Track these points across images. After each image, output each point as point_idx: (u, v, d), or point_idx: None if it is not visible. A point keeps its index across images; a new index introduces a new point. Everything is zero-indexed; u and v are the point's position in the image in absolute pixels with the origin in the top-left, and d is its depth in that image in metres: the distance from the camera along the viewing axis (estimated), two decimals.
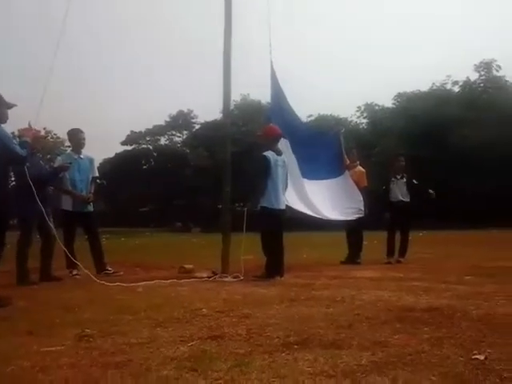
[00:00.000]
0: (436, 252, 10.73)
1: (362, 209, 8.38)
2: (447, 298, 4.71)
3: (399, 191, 8.95)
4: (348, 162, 8.83)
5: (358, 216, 8.37)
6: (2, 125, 5.00)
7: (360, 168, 9.18)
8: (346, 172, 8.62)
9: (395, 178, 9.03)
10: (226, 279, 6.55)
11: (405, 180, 8.98)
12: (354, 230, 8.96)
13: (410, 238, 9.10)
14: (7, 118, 5.11)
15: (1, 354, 2.99)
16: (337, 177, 8.51)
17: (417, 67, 67.01)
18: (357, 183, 8.65)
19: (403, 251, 8.90)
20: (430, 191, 8.94)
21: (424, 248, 10.83)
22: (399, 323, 3.57)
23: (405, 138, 34.74)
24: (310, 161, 8.01)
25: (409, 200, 8.96)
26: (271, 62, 7.88)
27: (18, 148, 4.94)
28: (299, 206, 7.68)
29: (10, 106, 5.10)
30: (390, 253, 8.90)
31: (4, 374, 2.64)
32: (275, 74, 7.94)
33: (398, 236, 9.06)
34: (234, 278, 6.57)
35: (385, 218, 9.08)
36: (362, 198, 8.43)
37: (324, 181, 8.30)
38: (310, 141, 8.63)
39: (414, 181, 9.05)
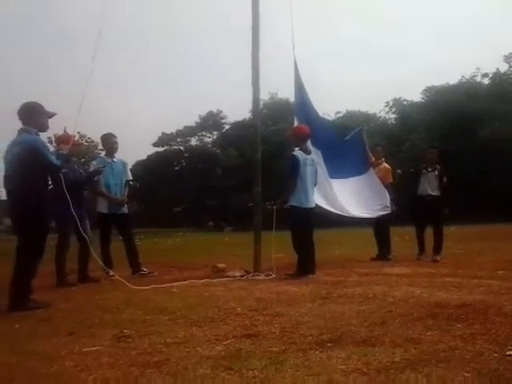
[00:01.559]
0: (467, 247, 10.51)
1: (389, 205, 8.27)
2: (480, 293, 4.67)
3: (428, 185, 8.56)
4: (373, 159, 8.71)
5: (384, 213, 8.26)
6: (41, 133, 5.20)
7: (385, 165, 9.06)
8: (371, 169, 8.50)
9: (426, 170, 8.64)
10: (258, 278, 6.61)
11: (436, 173, 8.59)
12: (380, 227, 8.87)
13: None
14: (48, 127, 5.32)
15: (45, 354, 3.12)
16: (361, 174, 8.40)
17: (445, 60, 65.61)
18: (382, 180, 8.52)
19: (438, 248, 8.43)
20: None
21: (455, 243, 10.54)
22: (432, 320, 3.57)
23: (434, 132, 34.19)
24: (333, 159, 7.91)
25: (439, 194, 8.54)
26: (295, 60, 7.85)
27: (53, 159, 5.11)
28: (324, 204, 7.64)
29: (51, 114, 5.29)
30: (421, 249, 8.61)
31: (48, 373, 2.76)
32: (298, 71, 7.92)
33: (428, 232, 8.78)
34: (266, 276, 6.64)
35: (411, 212, 8.86)
36: (388, 195, 8.33)
37: (348, 179, 8.20)
38: (333, 139, 8.56)
39: (445, 179, 8.64)
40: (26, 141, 4.97)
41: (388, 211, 8.30)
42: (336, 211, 7.81)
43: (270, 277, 6.56)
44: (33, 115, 5.11)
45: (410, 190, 8.96)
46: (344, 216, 7.99)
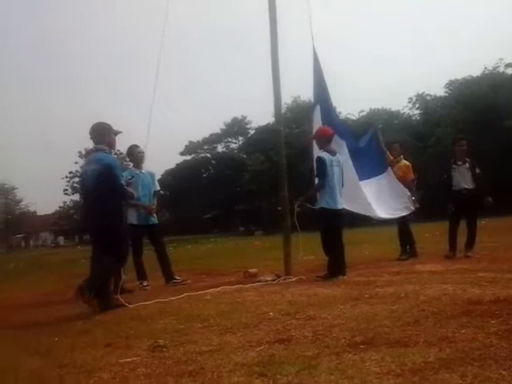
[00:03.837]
0: (500, 240, 10.22)
1: (410, 205, 8.04)
2: None
3: (462, 178, 8.24)
4: (391, 157, 8.51)
5: (407, 213, 8.04)
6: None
7: (405, 162, 8.88)
8: (389, 169, 8.25)
9: (456, 164, 8.31)
10: (289, 281, 6.62)
11: (467, 166, 8.25)
12: (401, 226, 8.67)
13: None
14: (115, 144, 5.69)
15: (83, 367, 3.19)
16: (379, 175, 8.14)
17: (467, 53, 64.43)
18: (403, 178, 8.35)
19: (471, 244, 8.17)
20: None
21: (487, 237, 10.25)
22: (466, 317, 3.52)
23: (460, 125, 33.48)
24: (352, 161, 7.69)
25: (473, 187, 8.18)
26: (314, 50, 7.74)
27: (122, 180, 5.47)
28: (349, 206, 7.51)
29: (117, 132, 5.61)
30: (452, 248, 8.23)
31: None
32: (319, 61, 7.77)
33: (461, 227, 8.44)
34: (298, 279, 6.64)
35: (449, 209, 8.39)
36: (409, 193, 8.09)
37: (367, 180, 7.93)
38: (351, 140, 8.42)
39: (478, 169, 8.28)
40: (103, 158, 5.33)
41: (410, 211, 8.09)
42: (362, 213, 7.71)
43: (302, 280, 6.56)
44: (104, 134, 5.46)
45: (443, 186, 8.62)
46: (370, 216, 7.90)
